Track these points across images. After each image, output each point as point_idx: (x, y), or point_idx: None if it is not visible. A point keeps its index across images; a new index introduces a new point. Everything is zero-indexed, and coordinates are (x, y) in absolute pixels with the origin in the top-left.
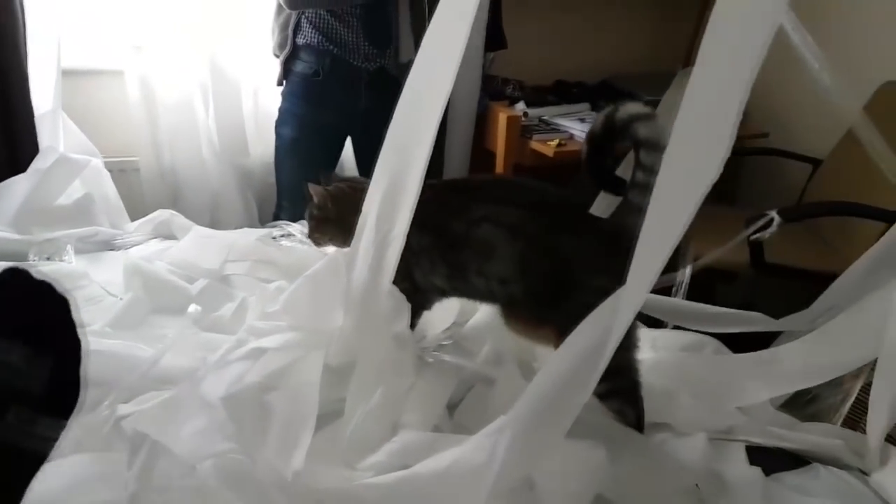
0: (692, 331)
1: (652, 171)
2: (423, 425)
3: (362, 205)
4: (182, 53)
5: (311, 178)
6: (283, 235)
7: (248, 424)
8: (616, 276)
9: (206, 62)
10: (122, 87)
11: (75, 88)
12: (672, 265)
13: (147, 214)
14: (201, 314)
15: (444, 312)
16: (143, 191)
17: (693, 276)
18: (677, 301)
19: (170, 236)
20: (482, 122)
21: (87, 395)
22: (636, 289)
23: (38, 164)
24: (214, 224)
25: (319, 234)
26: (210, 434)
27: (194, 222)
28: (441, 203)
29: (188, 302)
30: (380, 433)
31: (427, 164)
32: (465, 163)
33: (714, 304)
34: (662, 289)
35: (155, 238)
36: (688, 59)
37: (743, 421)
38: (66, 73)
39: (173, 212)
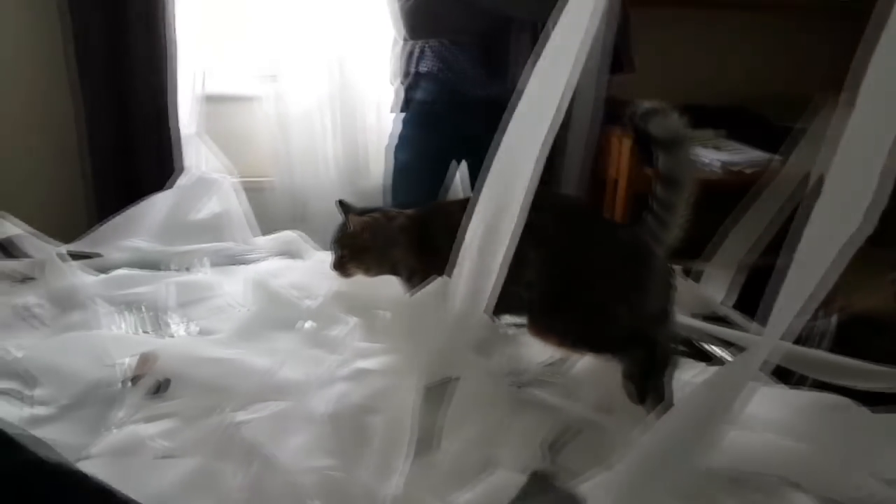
0: (833, 388)
1: (671, 177)
2: (516, 464)
3: (396, 235)
4: (312, 81)
5: (421, 201)
6: None
7: (348, 443)
8: (631, 287)
9: (335, 89)
10: (260, 113)
11: (217, 113)
12: (815, 313)
13: (276, 231)
14: (313, 331)
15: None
16: (274, 209)
17: (839, 326)
18: (820, 353)
19: (294, 255)
20: (601, 149)
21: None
22: (768, 337)
23: (181, 182)
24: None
25: (353, 263)
26: (313, 448)
27: (319, 240)
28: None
29: (302, 319)
30: (473, 468)
31: (531, 194)
32: (581, 191)
33: (863, 358)
34: (803, 339)
35: (279, 257)
36: (830, 84)
37: (883, 491)
38: (210, 99)
39: (298, 233)
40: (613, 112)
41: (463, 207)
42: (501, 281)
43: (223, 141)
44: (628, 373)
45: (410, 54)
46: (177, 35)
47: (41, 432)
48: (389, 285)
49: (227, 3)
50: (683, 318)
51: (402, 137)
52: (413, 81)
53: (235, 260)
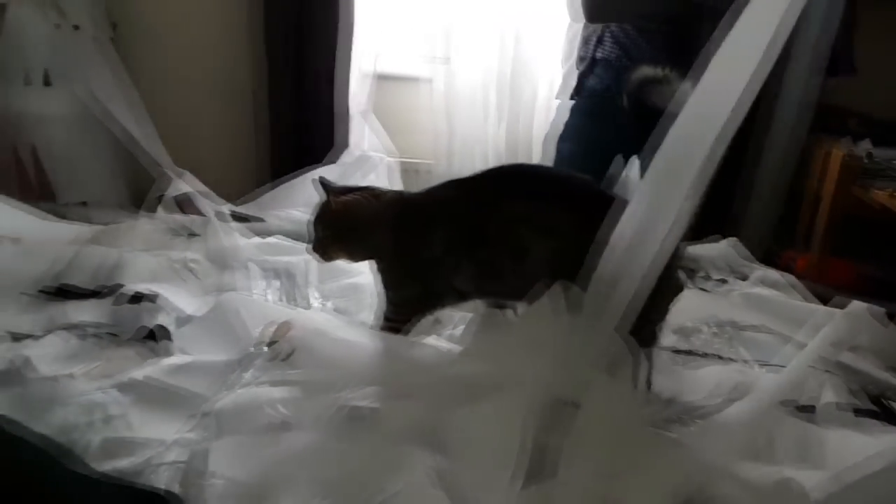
0: None
1: None
2: None
3: (382, 215)
4: (482, 64)
5: None
6: None
7: (458, 449)
8: None
9: (505, 73)
10: (428, 94)
11: (387, 92)
12: None
13: None
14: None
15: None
16: None
17: None
18: None
19: None
20: (804, 161)
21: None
22: None
23: (345, 158)
24: None
25: (335, 247)
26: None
27: None
28: (469, 205)
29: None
30: None
31: (690, 202)
32: (776, 206)
33: None
34: None
35: None
36: None
37: None
38: (382, 78)
39: None
40: (825, 119)
41: (461, 194)
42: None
43: (387, 121)
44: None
45: (587, 39)
46: (355, 14)
47: (174, 379)
48: None
49: None
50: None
51: (568, 126)
52: (587, 68)
53: None
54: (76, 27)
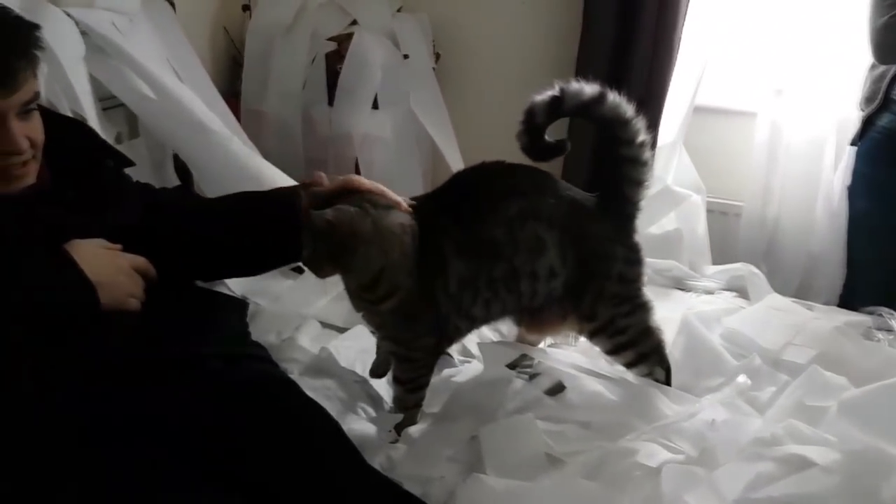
0: None
1: (633, 143)
2: None
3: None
4: (821, 101)
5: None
6: (880, 329)
7: None
8: (628, 249)
9: (845, 114)
10: (748, 130)
11: (702, 125)
12: None
13: (735, 262)
14: (744, 388)
15: None
16: (738, 237)
17: None
18: None
19: (743, 293)
20: None
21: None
22: None
23: None
24: (802, 289)
25: (331, 265)
26: None
27: (783, 281)
28: (463, 222)
29: (723, 376)
30: None
31: None
32: None
33: None
34: None
35: (727, 291)
36: None
37: None
38: (698, 110)
39: (754, 270)
40: None
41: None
42: None
43: (698, 155)
44: (648, 371)
45: (882, 77)
46: (681, 39)
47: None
48: None
49: (737, 9)
50: None
51: (856, 174)
52: (880, 106)
53: (678, 283)
54: (406, 56)
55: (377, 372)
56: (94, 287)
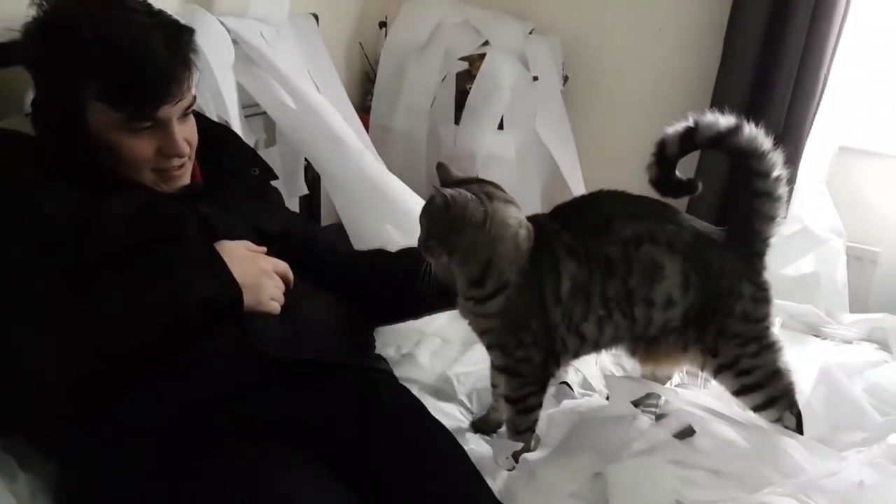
0: None
1: (768, 176)
2: None
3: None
4: None
5: None
6: None
7: None
8: (755, 287)
9: None
10: (892, 174)
11: (848, 166)
12: None
13: (868, 311)
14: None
15: None
16: (875, 285)
17: None
18: None
19: (884, 345)
20: None
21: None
22: None
23: (781, 231)
24: None
25: (440, 249)
26: None
27: None
28: (577, 231)
29: (865, 432)
30: None
31: None
32: None
33: None
34: None
35: (868, 342)
36: None
37: None
38: (844, 150)
39: None
40: None
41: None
42: None
43: (841, 197)
44: (777, 417)
45: None
46: (828, 77)
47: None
48: None
49: (890, 49)
50: None
51: None
52: None
53: (813, 330)
54: (535, 78)
55: (479, 427)
56: (240, 287)
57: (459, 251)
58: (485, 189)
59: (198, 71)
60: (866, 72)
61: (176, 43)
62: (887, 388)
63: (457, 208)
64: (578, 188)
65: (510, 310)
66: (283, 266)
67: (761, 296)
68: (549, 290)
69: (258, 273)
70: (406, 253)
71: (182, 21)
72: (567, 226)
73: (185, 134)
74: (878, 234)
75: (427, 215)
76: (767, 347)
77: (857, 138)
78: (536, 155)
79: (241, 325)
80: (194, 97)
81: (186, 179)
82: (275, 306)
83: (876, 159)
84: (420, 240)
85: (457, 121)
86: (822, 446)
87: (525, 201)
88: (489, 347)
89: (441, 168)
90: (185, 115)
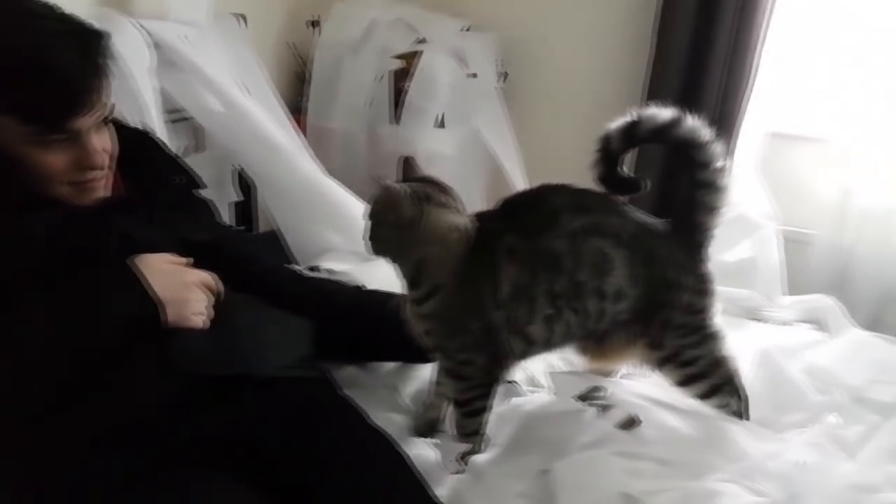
0: None
1: (709, 167)
2: None
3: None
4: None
5: None
6: None
7: None
8: (697, 279)
9: None
10: (823, 157)
11: (779, 152)
12: None
13: (805, 292)
14: (833, 428)
15: None
16: (811, 267)
17: None
18: None
19: (821, 325)
20: None
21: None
22: None
23: None
24: (875, 323)
25: (379, 244)
26: None
27: (854, 313)
28: (521, 230)
29: (805, 412)
30: None
31: None
32: None
33: None
34: None
35: (804, 323)
36: None
37: None
38: (774, 136)
39: (834, 301)
40: None
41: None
42: None
43: (771, 182)
44: (724, 403)
45: None
46: (757, 65)
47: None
48: None
49: (815, 36)
50: None
51: None
52: None
53: (753, 314)
54: (474, 75)
55: (419, 429)
56: (158, 303)
57: (393, 247)
58: (426, 190)
59: (114, 78)
60: (793, 59)
61: (87, 49)
62: (825, 367)
63: (391, 202)
64: (520, 184)
65: (446, 313)
66: (209, 278)
67: (703, 287)
68: (488, 293)
69: (180, 287)
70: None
71: (94, 25)
72: (511, 225)
73: (103, 144)
74: (812, 216)
75: (370, 207)
76: (709, 337)
77: (786, 124)
78: (477, 152)
79: (162, 342)
80: (111, 105)
81: (106, 191)
82: (198, 321)
83: (806, 143)
84: (364, 233)
85: (395, 119)
86: (763, 429)
87: (467, 198)
88: (432, 349)
89: (406, 163)
90: (101, 124)
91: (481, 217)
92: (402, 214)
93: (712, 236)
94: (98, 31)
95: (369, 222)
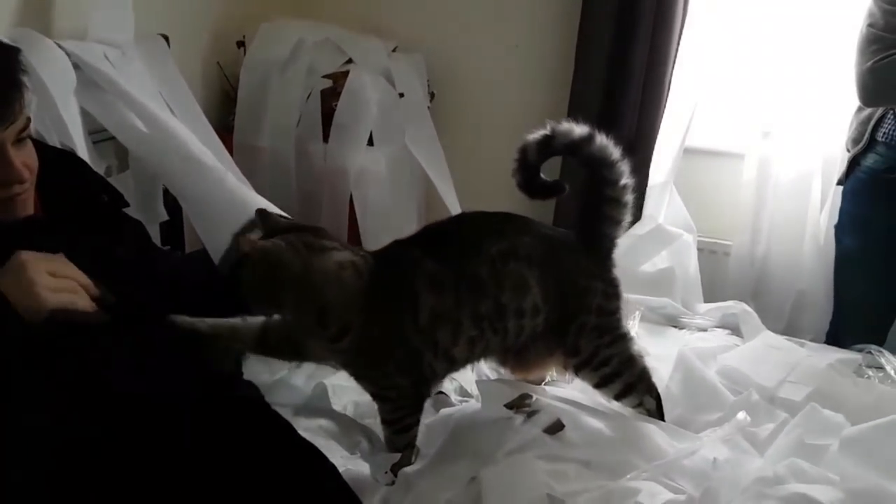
0: None
1: (616, 184)
2: None
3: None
4: (808, 141)
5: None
6: (870, 366)
7: None
8: (606, 283)
9: (832, 157)
10: (737, 171)
11: (692, 166)
12: None
13: (725, 300)
14: (744, 425)
15: None
16: (727, 275)
17: None
18: None
19: (736, 330)
20: None
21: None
22: None
23: (636, 230)
24: (790, 326)
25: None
26: None
27: (772, 318)
28: (443, 256)
29: (720, 411)
30: None
31: None
32: None
33: None
34: None
35: (720, 328)
36: None
37: None
38: (688, 151)
39: (746, 308)
40: None
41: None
42: None
43: (692, 196)
44: (637, 402)
45: (868, 119)
46: (671, 82)
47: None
48: None
49: (725, 53)
50: None
51: (843, 213)
52: (865, 147)
53: (671, 321)
54: (401, 95)
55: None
56: None
57: (291, 304)
58: (301, 238)
59: (29, 91)
60: (704, 76)
61: (1, 63)
62: (738, 369)
63: (272, 262)
64: (452, 201)
65: (365, 346)
66: (80, 273)
67: (612, 291)
68: (408, 319)
69: (25, 267)
70: None
71: (5, 40)
72: (432, 252)
73: (23, 158)
74: (728, 228)
75: (247, 275)
76: (620, 337)
77: (700, 139)
78: (409, 170)
79: (78, 361)
80: (28, 119)
81: (28, 209)
82: (49, 297)
83: (721, 158)
84: (243, 296)
85: (325, 139)
86: (680, 429)
87: (401, 215)
88: (355, 378)
89: (262, 214)
90: (20, 139)
91: (399, 244)
92: (288, 271)
93: (616, 245)
94: (8, 45)
95: (254, 290)
